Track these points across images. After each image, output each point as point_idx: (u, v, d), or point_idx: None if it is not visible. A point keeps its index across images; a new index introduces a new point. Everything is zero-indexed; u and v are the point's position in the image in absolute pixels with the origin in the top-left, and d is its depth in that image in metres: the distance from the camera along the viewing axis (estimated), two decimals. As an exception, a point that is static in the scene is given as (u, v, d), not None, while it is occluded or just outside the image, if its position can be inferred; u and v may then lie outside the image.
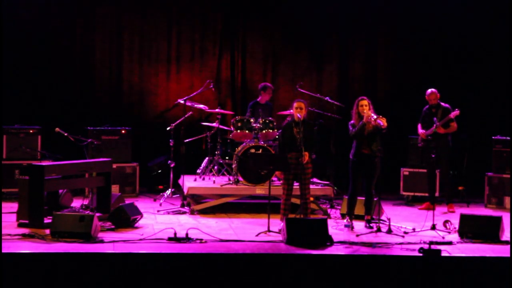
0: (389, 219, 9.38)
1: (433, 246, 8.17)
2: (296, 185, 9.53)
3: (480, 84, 13.33)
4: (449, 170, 11.42)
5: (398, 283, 7.82)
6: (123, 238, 8.60)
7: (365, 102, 9.59)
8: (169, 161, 11.50)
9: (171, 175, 11.54)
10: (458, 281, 7.84)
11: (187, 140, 11.59)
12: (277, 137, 10.99)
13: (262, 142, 10.99)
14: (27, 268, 7.51)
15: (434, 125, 11.16)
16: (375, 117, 9.39)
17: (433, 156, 11.15)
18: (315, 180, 11.03)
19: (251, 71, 13.54)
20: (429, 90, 11.37)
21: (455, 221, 9.35)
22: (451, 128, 11.22)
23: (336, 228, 9.54)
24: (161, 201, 11.32)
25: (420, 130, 11.42)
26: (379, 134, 9.50)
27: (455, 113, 11.08)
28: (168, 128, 11.47)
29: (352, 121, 9.66)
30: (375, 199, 9.71)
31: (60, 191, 10.03)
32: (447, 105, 11.31)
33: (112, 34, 13.13)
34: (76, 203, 10.50)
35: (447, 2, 13.40)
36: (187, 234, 8.56)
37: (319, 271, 7.82)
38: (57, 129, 10.34)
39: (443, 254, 8.11)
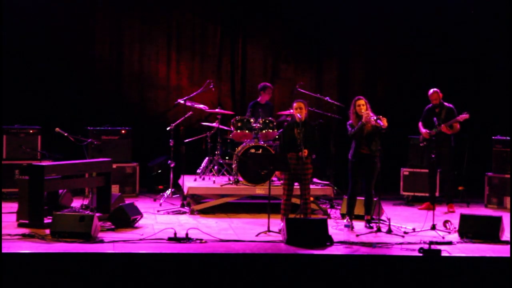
0: (389, 219, 9.38)
1: (433, 246, 8.17)
2: (296, 185, 9.53)
3: (480, 84, 13.32)
4: (451, 170, 11.38)
5: (398, 283, 7.82)
6: (123, 238, 8.60)
7: (362, 101, 9.58)
8: (169, 161, 11.50)
9: (171, 175, 11.55)
10: (458, 281, 7.84)
11: (187, 140, 11.59)
12: (277, 137, 11.00)
13: (262, 142, 10.99)
14: (27, 268, 7.51)
15: (440, 126, 11.09)
16: (374, 117, 9.38)
17: (433, 156, 11.15)
18: (315, 180, 11.03)
19: (251, 71, 13.54)
20: (431, 90, 11.34)
21: (455, 221, 9.35)
22: (455, 128, 11.19)
23: (336, 228, 9.54)
24: (161, 201, 11.33)
25: (423, 130, 11.37)
26: (378, 134, 9.49)
27: (464, 116, 10.99)
28: (168, 128, 11.47)
29: (350, 121, 9.65)
30: (375, 199, 9.71)
31: (60, 191, 10.03)
32: (450, 105, 11.27)
33: (112, 34, 13.12)
34: (76, 203, 10.50)
35: (447, 2, 13.40)
36: (187, 234, 8.56)
37: (319, 271, 7.82)
38: (57, 129, 10.34)
39: (443, 254, 8.11)
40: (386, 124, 9.29)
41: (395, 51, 13.62)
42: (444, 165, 11.31)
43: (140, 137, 12.76)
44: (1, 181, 10.78)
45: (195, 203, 10.74)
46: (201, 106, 11.86)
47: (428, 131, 11.27)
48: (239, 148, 11.03)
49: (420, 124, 11.46)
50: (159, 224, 9.62)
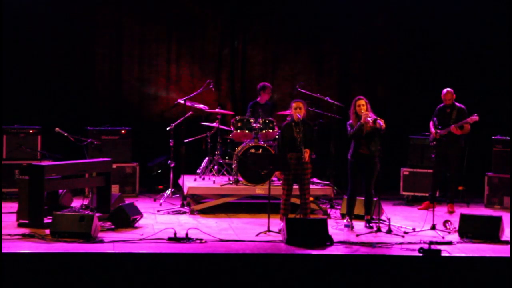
0: (389, 219, 9.38)
1: (433, 246, 8.17)
2: (296, 185, 9.53)
3: (481, 84, 13.31)
4: (457, 171, 11.31)
5: (398, 283, 7.82)
6: (123, 238, 8.60)
7: (362, 102, 9.57)
8: (169, 161, 11.50)
9: (171, 175, 11.54)
10: (458, 281, 7.84)
11: (187, 140, 11.59)
12: (277, 137, 11.01)
13: (262, 142, 10.99)
14: (27, 268, 7.51)
15: (451, 126, 11.04)
16: (373, 118, 9.36)
17: (433, 156, 11.15)
18: (315, 180, 11.03)
19: (251, 71, 13.53)
20: (445, 90, 11.25)
21: (455, 221, 9.35)
22: (465, 129, 11.14)
23: (336, 228, 9.54)
24: (161, 201, 11.33)
25: (433, 130, 11.27)
26: (378, 135, 9.48)
27: (474, 118, 10.91)
28: (168, 128, 11.47)
29: (350, 121, 9.64)
30: (374, 199, 9.71)
31: (60, 191, 10.03)
32: (462, 106, 11.22)
33: (112, 34, 13.12)
34: (76, 203, 10.50)
35: (448, 3, 13.40)
36: (187, 234, 8.56)
37: (319, 271, 7.82)
38: (57, 129, 10.34)
39: (443, 254, 8.11)
40: (384, 125, 9.28)
41: (396, 51, 13.61)
42: (451, 165, 11.24)
43: (140, 137, 12.75)
44: (1, 181, 10.78)
45: (195, 203, 10.74)
46: (201, 106, 11.86)
47: (438, 131, 11.16)
48: (239, 148, 11.03)
49: (431, 123, 11.37)
50: (159, 224, 9.62)
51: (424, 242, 8.48)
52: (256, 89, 12.00)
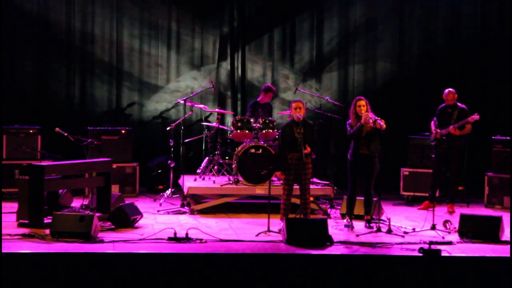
0: (389, 219, 9.38)
1: (433, 246, 8.17)
2: (296, 185, 9.52)
3: (480, 84, 13.31)
4: (457, 171, 11.30)
5: (398, 283, 7.82)
6: (123, 238, 8.60)
7: (362, 102, 9.56)
8: (169, 161, 11.50)
9: (171, 175, 11.55)
10: (458, 281, 7.84)
11: (187, 140, 11.60)
12: (277, 137, 11.01)
13: (262, 142, 10.99)
14: (27, 268, 7.51)
15: (450, 127, 11.02)
16: (373, 119, 9.36)
17: (432, 156, 11.14)
18: (315, 180, 11.03)
19: (251, 71, 13.52)
20: (447, 90, 11.21)
21: (455, 221, 9.35)
22: (466, 129, 11.13)
23: (336, 228, 9.54)
24: (161, 201, 11.33)
25: (434, 129, 11.24)
26: (378, 135, 9.47)
27: (475, 117, 10.90)
28: (168, 128, 11.47)
29: (349, 121, 9.64)
30: (374, 199, 9.70)
31: (60, 191, 10.03)
32: (463, 106, 11.20)
33: (112, 33, 13.10)
34: (76, 203, 10.50)
35: (448, 3, 13.39)
36: (187, 234, 8.56)
37: (319, 271, 7.82)
38: (57, 129, 10.34)
39: (443, 254, 8.11)
40: (384, 126, 9.28)
41: (395, 50, 13.59)
42: (451, 165, 11.23)
43: (140, 137, 12.75)
44: (1, 181, 10.78)
45: (195, 203, 10.74)
46: (201, 106, 11.85)
47: (439, 131, 11.14)
48: (239, 148, 11.03)
49: (432, 123, 11.34)
50: (159, 224, 9.62)
51: (424, 242, 8.48)
52: (257, 89, 11.99)
